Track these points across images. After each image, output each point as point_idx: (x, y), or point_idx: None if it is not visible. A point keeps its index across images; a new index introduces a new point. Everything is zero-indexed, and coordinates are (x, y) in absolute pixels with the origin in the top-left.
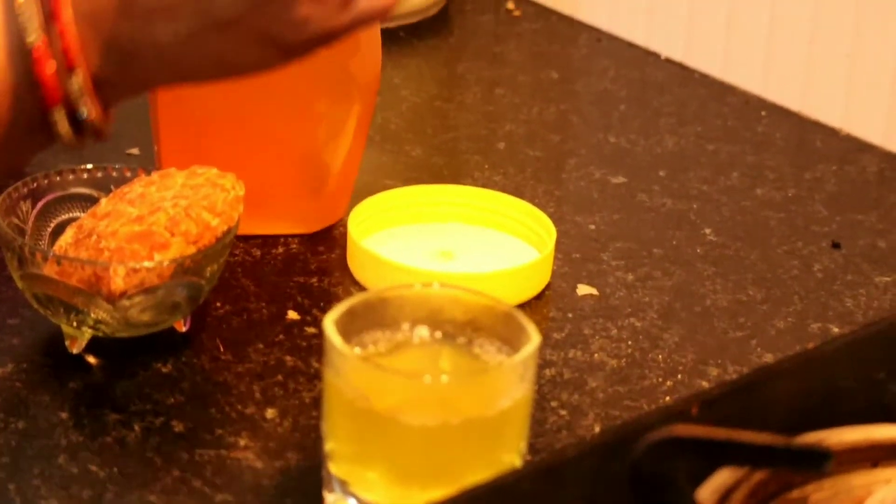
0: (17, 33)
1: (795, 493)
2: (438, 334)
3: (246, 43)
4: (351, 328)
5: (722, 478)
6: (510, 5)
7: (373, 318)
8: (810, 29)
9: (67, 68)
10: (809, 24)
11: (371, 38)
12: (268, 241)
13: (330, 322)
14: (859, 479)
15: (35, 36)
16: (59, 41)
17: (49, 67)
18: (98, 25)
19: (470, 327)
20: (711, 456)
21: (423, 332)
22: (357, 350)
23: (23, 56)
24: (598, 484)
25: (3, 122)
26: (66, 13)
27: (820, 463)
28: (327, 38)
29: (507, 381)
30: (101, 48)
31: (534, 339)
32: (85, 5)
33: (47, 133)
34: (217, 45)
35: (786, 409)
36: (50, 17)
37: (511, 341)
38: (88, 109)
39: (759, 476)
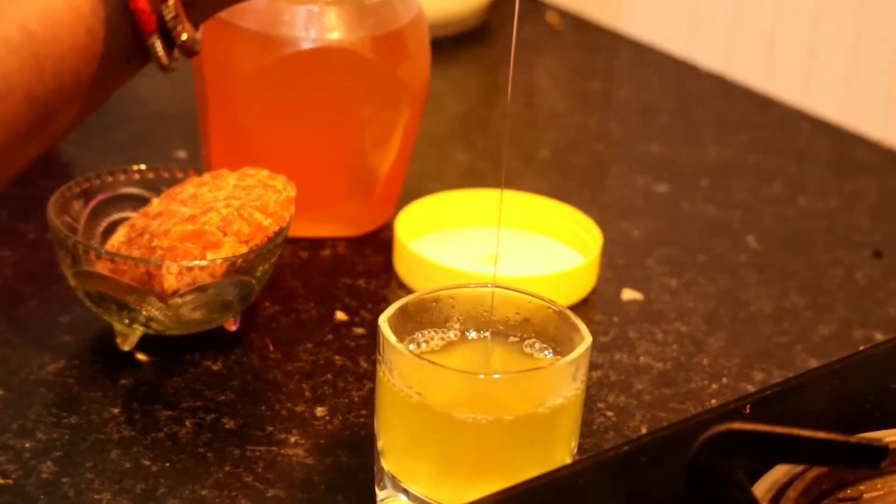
0: None
1: (849, 491)
2: (489, 334)
3: None
4: (403, 327)
5: (776, 475)
6: (551, 18)
7: (425, 317)
8: (852, 42)
9: None
10: (851, 38)
11: (420, 45)
12: (315, 243)
13: (384, 320)
14: None
15: None
16: None
17: None
18: None
19: (521, 327)
20: (769, 451)
21: (474, 331)
22: (411, 347)
23: None
24: (651, 480)
25: (99, 54)
26: None
27: (876, 459)
28: None
29: (560, 379)
30: None
31: (586, 338)
32: None
33: (141, 59)
34: None
35: (836, 410)
36: None
37: (562, 341)
38: (183, 33)
39: (813, 473)
